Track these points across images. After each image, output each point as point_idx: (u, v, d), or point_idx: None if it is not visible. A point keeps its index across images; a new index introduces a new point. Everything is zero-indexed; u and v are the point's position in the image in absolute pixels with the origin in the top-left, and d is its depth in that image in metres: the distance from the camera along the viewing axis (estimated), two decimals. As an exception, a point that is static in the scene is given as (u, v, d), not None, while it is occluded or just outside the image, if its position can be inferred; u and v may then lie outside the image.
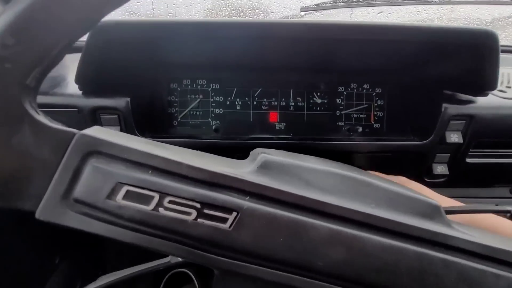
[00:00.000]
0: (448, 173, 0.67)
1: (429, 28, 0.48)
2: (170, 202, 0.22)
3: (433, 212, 0.26)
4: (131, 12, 0.96)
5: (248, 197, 0.24)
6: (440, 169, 0.66)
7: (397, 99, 0.76)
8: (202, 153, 0.28)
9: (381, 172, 0.70)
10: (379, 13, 0.95)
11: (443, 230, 0.25)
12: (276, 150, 0.30)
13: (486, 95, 0.58)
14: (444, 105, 0.61)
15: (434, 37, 0.48)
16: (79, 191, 0.22)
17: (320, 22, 0.49)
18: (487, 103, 0.62)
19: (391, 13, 0.98)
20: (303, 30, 0.47)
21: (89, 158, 0.22)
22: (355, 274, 0.24)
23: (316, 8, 0.94)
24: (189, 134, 0.72)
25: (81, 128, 0.23)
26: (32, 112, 0.22)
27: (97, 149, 0.22)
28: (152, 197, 0.22)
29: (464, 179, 0.70)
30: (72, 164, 0.22)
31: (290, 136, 0.69)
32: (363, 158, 0.66)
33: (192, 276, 0.65)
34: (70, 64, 0.73)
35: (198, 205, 0.23)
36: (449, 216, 0.27)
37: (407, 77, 0.74)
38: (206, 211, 0.23)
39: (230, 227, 0.23)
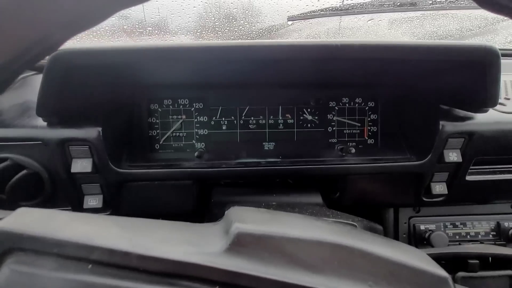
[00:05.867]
0: (447, 192, 0.63)
1: (427, 47, 0.44)
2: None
3: (440, 286, 0.22)
4: (122, 15, 0.91)
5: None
6: (439, 188, 0.63)
7: (391, 113, 0.72)
8: (160, 222, 0.23)
9: (377, 194, 0.65)
10: (369, 20, 0.91)
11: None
12: (253, 211, 0.26)
13: (485, 111, 0.55)
14: (441, 122, 0.58)
15: (432, 55, 0.44)
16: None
17: (311, 43, 0.44)
18: (486, 119, 0.58)
19: (382, 20, 0.94)
20: (295, 51, 0.43)
21: (6, 257, 0.17)
22: None
23: (304, 17, 0.90)
24: (171, 159, 0.67)
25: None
26: None
27: (16, 246, 0.17)
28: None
29: (464, 197, 0.66)
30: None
31: (279, 160, 0.64)
32: (358, 181, 0.62)
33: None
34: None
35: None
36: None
37: (401, 91, 0.70)
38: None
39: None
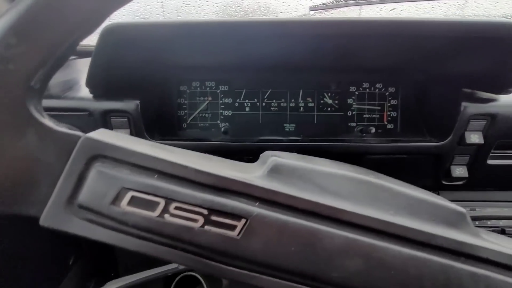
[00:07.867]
0: (467, 176, 0.63)
1: (452, 22, 0.45)
2: (176, 208, 0.21)
3: (458, 219, 0.24)
4: (141, 15, 0.97)
5: (257, 203, 0.23)
6: (459, 171, 0.63)
7: (411, 98, 0.73)
8: (210, 156, 0.27)
9: (396, 176, 0.67)
10: (391, 10, 0.92)
11: (470, 239, 0.23)
12: (287, 153, 0.29)
13: (509, 92, 0.55)
14: (463, 104, 0.58)
15: (456, 31, 0.46)
16: (83, 196, 0.21)
17: (334, 19, 0.47)
18: (509, 101, 0.58)
19: (404, 9, 0.94)
20: (317, 27, 0.46)
21: (94, 162, 0.21)
22: (374, 287, 0.22)
23: (326, 7, 0.92)
24: (198, 136, 0.72)
25: (92, 131, 0.23)
26: (37, 115, 0.21)
27: (101, 153, 0.21)
28: (157, 203, 0.21)
29: (485, 182, 0.66)
30: (77, 168, 0.21)
31: (300, 138, 0.67)
32: (377, 161, 0.64)
33: (201, 280, 0.64)
34: (82, 68, 0.74)
35: (205, 212, 0.22)
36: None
37: (423, 75, 0.71)
38: (213, 218, 0.22)
39: (238, 234, 0.22)
